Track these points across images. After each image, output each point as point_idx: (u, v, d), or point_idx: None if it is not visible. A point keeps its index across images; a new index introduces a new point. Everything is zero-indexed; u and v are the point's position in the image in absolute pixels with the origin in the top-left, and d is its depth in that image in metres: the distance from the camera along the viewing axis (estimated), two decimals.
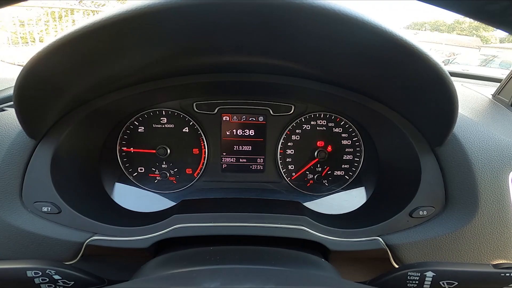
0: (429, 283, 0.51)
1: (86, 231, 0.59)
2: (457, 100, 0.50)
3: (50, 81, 0.49)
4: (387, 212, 0.64)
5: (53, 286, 0.48)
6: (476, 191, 0.58)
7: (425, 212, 0.62)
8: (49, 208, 0.58)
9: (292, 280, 0.37)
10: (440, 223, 0.61)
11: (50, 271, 0.47)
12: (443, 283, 0.50)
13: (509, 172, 0.59)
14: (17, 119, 0.57)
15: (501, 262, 0.58)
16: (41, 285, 0.47)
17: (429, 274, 0.51)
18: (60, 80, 0.50)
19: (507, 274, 0.49)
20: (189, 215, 0.61)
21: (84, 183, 0.68)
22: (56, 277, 0.47)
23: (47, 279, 0.47)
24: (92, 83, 0.56)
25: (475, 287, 0.51)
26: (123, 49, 0.48)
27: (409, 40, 0.42)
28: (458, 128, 0.61)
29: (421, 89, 0.52)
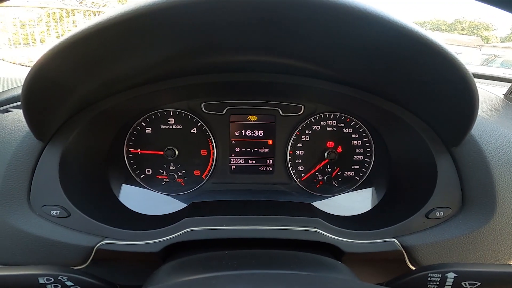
0: (451, 284, 0.49)
1: (96, 235, 0.58)
2: (479, 101, 0.49)
3: (58, 82, 0.48)
4: (402, 213, 0.63)
5: None
6: (494, 192, 0.58)
7: (441, 213, 0.61)
8: (58, 211, 0.57)
9: (315, 284, 0.35)
10: (457, 224, 0.60)
11: (62, 277, 0.45)
12: (465, 283, 0.49)
13: None
14: (24, 121, 0.56)
15: None
16: None
17: (451, 275, 0.50)
18: (68, 81, 0.49)
19: None
20: (200, 218, 0.59)
21: (93, 185, 0.67)
22: (69, 283, 0.46)
23: (59, 286, 0.46)
24: (99, 84, 0.55)
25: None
26: (130, 49, 0.47)
27: (435, 40, 0.41)
28: (475, 128, 0.59)
29: (443, 90, 0.51)
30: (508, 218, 0.58)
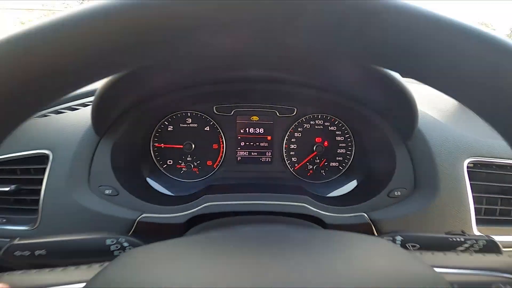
0: (399, 245, 0.65)
1: (137, 210, 0.71)
2: (417, 108, 0.66)
3: (118, 97, 0.65)
4: (371, 193, 0.78)
5: (122, 251, 0.58)
6: (437, 176, 0.71)
7: (399, 193, 0.75)
8: (110, 191, 0.71)
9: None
10: (411, 202, 0.74)
11: (122, 240, 0.58)
12: (408, 245, 0.62)
13: (464, 160, 0.73)
14: (81, 120, 0.73)
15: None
16: (114, 252, 0.58)
17: (398, 238, 0.63)
18: (124, 93, 0.66)
19: (453, 239, 0.61)
20: (215, 195, 0.75)
21: (133, 171, 0.83)
22: (125, 244, 0.58)
23: (119, 246, 0.58)
24: (146, 93, 0.72)
25: (432, 249, 0.66)
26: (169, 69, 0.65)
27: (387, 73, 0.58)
28: (424, 125, 0.75)
29: (394, 100, 0.68)
30: (448, 198, 0.71)
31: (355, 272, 0.30)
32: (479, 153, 0.75)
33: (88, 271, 0.35)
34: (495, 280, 0.35)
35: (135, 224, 0.70)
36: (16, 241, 0.53)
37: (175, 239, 0.36)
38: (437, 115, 0.84)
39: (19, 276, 0.34)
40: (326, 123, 0.98)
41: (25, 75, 0.21)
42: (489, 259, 0.40)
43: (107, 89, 0.63)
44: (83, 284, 0.31)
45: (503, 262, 0.37)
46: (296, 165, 0.99)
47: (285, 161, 0.98)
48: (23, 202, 0.75)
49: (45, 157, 0.72)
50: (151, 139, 0.94)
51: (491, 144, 0.76)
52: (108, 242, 0.57)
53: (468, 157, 0.74)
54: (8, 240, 0.53)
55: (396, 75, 0.60)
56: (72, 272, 0.35)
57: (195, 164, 0.97)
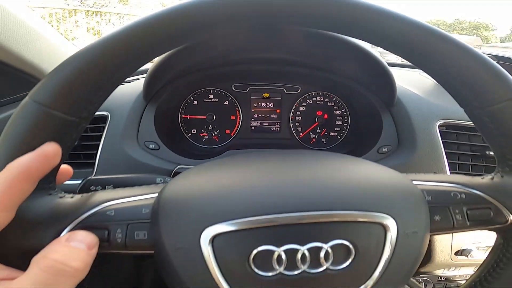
0: None
1: (174, 163, 0.83)
2: (394, 80, 0.84)
3: (162, 73, 0.84)
4: (365, 150, 0.96)
5: None
6: (415, 136, 0.85)
7: (386, 149, 0.89)
8: (153, 145, 0.84)
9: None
10: (395, 157, 0.87)
11: (167, 179, 0.67)
12: None
13: (436, 122, 0.90)
14: (133, 89, 0.92)
15: None
16: None
17: None
18: (165, 71, 0.84)
19: None
20: (236, 151, 0.94)
21: (168, 133, 1.02)
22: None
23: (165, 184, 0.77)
24: (180, 72, 0.91)
25: None
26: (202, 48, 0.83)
27: (355, 41, 0.76)
28: (404, 96, 0.93)
29: (378, 75, 0.86)
30: (425, 153, 0.84)
31: (342, 172, 0.39)
32: (448, 117, 0.92)
33: (157, 187, 0.43)
34: (453, 190, 0.43)
35: (172, 174, 0.83)
36: (92, 177, 0.64)
37: (221, 159, 0.48)
38: (414, 89, 1.02)
39: (109, 191, 0.41)
40: (326, 99, 1.11)
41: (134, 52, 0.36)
42: (449, 176, 0.48)
43: (156, 67, 0.81)
44: (156, 194, 0.41)
45: (460, 178, 0.46)
46: (301, 134, 1.13)
47: (291, 130, 1.12)
48: (78, 157, 0.92)
49: (103, 118, 0.90)
50: (179, 111, 1.13)
51: (457, 110, 0.94)
52: (158, 180, 0.68)
53: (438, 120, 0.91)
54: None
55: (379, 56, 0.79)
56: (145, 188, 0.43)
57: (216, 132, 1.14)
